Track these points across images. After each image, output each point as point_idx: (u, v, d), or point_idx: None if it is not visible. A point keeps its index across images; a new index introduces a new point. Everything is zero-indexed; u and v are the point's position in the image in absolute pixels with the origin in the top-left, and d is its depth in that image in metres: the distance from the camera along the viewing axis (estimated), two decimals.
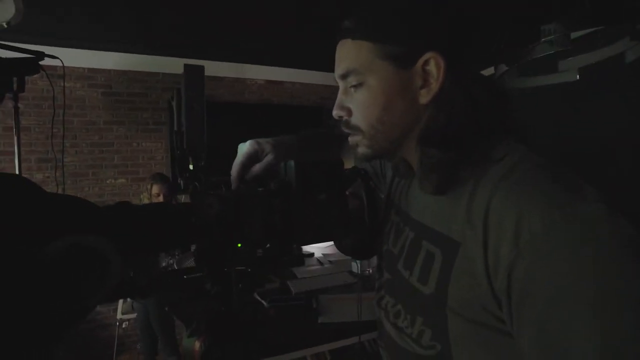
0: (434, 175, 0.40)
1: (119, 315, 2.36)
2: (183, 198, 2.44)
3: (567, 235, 0.30)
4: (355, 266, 1.73)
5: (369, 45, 0.40)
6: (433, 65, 0.39)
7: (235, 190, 0.48)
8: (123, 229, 0.32)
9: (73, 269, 0.26)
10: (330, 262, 1.94)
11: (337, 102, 0.45)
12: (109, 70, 2.74)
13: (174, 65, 2.81)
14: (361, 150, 0.45)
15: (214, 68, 2.97)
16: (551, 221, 0.30)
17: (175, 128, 0.45)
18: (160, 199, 2.24)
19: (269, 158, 0.53)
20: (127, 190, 2.77)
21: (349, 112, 0.44)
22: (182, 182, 0.44)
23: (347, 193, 0.47)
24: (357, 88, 0.43)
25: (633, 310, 0.26)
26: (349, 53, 0.42)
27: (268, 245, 0.41)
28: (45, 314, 0.25)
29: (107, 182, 2.75)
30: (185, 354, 0.38)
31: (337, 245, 0.56)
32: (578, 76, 1.73)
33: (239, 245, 0.40)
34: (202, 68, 0.43)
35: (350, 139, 0.46)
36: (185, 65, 0.43)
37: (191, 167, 0.44)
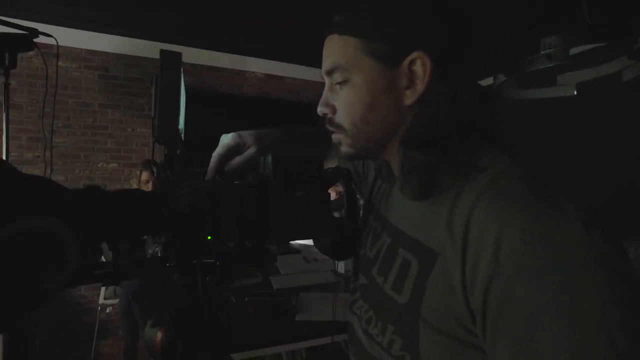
0: (415, 179, 0.39)
1: (101, 300, 2.35)
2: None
3: (546, 254, 0.30)
4: (339, 266, 1.73)
5: (355, 41, 0.40)
6: (419, 65, 0.39)
7: (210, 181, 0.47)
8: (87, 214, 0.31)
9: (29, 252, 0.26)
10: (315, 259, 1.94)
11: (322, 98, 0.45)
12: (107, 53, 2.73)
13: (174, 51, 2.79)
14: (344, 149, 0.45)
15: (214, 58, 2.94)
16: (531, 238, 0.30)
17: (152, 115, 0.44)
18: (150, 186, 2.21)
19: (250, 151, 0.52)
20: (118, 175, 2.74)
21: (333, 110, 0.44)
22: (154, 170, 0.43)
23: (330, 192, 0.47)
24: (342, 85, 0.42)
25: (605, 331, 0.27)
26: (335, 49, 0.42)
27: (241, 240, 0.40)
28: (1, 295, 0.25)
29: (99, 165, 2.72)
30: (146, 344, 0.37)
31: (315, 244, 0.56)
32: (576, 92, 1.73)
33: (209, 237, 0.39)
34: (179, 55, 0.40)
35: (333, 136, 0.46)
36: (162, 51, 0.39)
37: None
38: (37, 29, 1.62)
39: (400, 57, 0.39)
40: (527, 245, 0.30)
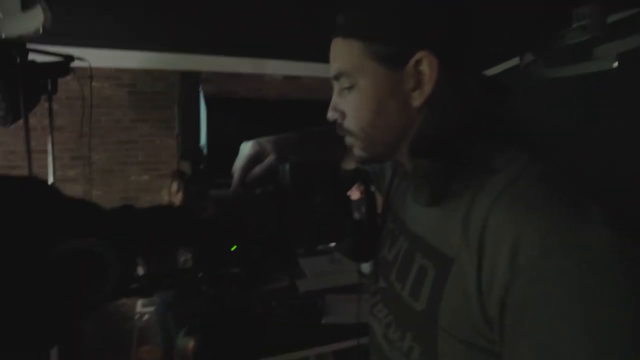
0: (426, 187, 0.39)
1: (138, 309, 2.46)
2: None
3: (565, 260, 0.29)
4: (364, 266, 1.70)
5: (359, 44, 0.39)
6: (426, 65, 0.38)
7: (231, 193, 0.49)
8: (124, 232, 0.34)
9: (75, 270, 0.29)
10: (340, 260, 1.94)
11: (331, 103, 0.45)
12: (134, 70, 2.79)
13: (195, 62, 2.81)
14: (356, 152, 0.45)
15: (234, 64, 2.94)
16: (550, 246, 0.30)
17: (177, 132, 0.54)
18: (180, 195, 2.27)
19: (270, 159, 0.52)
20: (150, 186, 2.80)
21: (343, 115, 0.44)
22: (180, 186, 0.45)
23: (354, 191, 0.47)
24: (350, 90, 0.42)
25: (627, 341, 0.26)
26: (340, 53, 0.41)
27: (263, 248, 0.41)
28: (50, 309, 0.28)
29: (132, 178, 2.81)
30: (179, 352, 0.42)
31: (336, 247, 0.58)
32: (616, 63, 1.57)
33: (234, 247, 0.40)
34: (197, 76, 0.50)
35: (346, 140, 0.45)
36: (184, 74, 0.50)
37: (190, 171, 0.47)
38: (72, 55, 1.73)
39: (405, 58, 0.38)
40: (546, 251, 0.30)
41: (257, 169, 0.52)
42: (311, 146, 0.58)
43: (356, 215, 0.56)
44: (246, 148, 0.53)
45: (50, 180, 1.92)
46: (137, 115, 2.81)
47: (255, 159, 0.52)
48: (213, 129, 2.43)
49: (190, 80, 0.53)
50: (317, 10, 1.92)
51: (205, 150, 0.70)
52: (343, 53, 0.41)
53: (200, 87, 0.57)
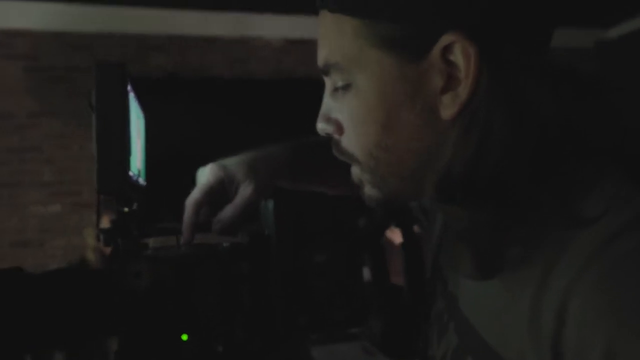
0: (467, 250, 0.38)
1: None
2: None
3: None
4: None
5: (353, 23, 0.39)
6: (459, 53, 0.36)
7: (180, 250, 0.48)
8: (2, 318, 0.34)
9: None
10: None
11: (321, 108, 0.45)
12: (35, 33, 2.47)
13: (136, 20, 2.51)
14: (367, 190, 0.45)
15: (203, 23, 2.64)
16: None
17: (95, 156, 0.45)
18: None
19: (244, 193, 0.52)
20: (64, 222, 2.50)
21: (339, 128, 0.43)
22: (101, 236, 0.45)
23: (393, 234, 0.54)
24: (345, 91, 0.41)
25: None
26: (327, 35, 0.41)
27: (231, 338, 0.42)
28: None
29: (31, 209, 2.47)
30: None
31: (362, 331, 0.55)
32: None
33: (184, 337, 0.41)
34: (122, 66, 0.44)
35: (352, 170, 0.45)
36: (97, 66, 0.43)
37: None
38: None
39: (425, 43, 0.37)
40: None
41: (228, 212, 0.51)
42: (308, 169, 0.59)
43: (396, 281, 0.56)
44: (204, 175, 0.53)
45: None
46: (41, 106, 2.52)
47: (217, 191, 0.52)
48: (165, 134, 2.27)
49: (108, 72, 0.41)
50: None
51: (140, 179, 0.58)
52: (332, 35, 0.41)
53: (129, 84, 0.46)
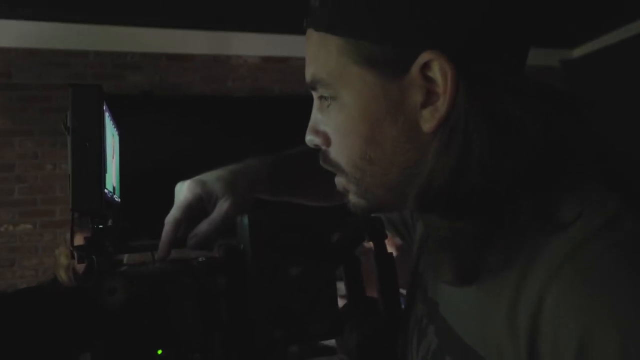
0: (447, 258, 0.39)
1: None
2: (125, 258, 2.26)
3: None
4: None
5: (337, 42, 0.40)
6: (437, 70, 0.37)
7: (155, 266, 0.49)
8: None
9: None
10: None
11: (310, 121, 0.46)
12: (9, 50, 2.45)
13: (112, 37, 2.50)
14: (352, 199, 0.46)
15: (180, 42, 2.65)
16: (636, 348, 0.30)
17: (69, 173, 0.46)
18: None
19: (221, 208, 0.52)
20: (35, 242, 2.47)
21: (326, 140, 0.45)
22: (75, 253, 0.46)
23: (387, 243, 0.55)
24: (331, 106, 0.43)
25: None
26: (314, 53, 0.43)
27: (208, 352, 0.42)
28: None
29: (2, 229, 2.44)
30: None
31: (337, 343, 0.58)
32: None
33: (159, 352, 0.41)
34: (98, 88, 0.45)
35: (336, 180, 0.46)
36: (73, 88, 0.45)
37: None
38: None
39: (405, 61, 0.38)
40: (629, 356, 0.30)
41: (204, 227, 0.52)
42: (288, 181, 0.60)
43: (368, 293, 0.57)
44: (182, 191, 0.53)
45: None
46: (14, 123, 2.48)
47: (196, 208, 0.52)
48: (142, 151, 2.22)
49: (84, 93, 0.43)
50: None
51: (115, 197, 0.61)
52: (317, 53, 0.42)
53: (105, 106, 0.49)
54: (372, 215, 0.58)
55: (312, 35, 0.43)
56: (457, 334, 0.45)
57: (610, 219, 0.35)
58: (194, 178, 0.55)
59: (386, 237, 0.59)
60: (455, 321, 0.46)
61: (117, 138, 0.60)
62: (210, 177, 0.54)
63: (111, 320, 0.40)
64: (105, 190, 0.50)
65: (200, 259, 0.46)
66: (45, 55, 2.51)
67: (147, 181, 2.20)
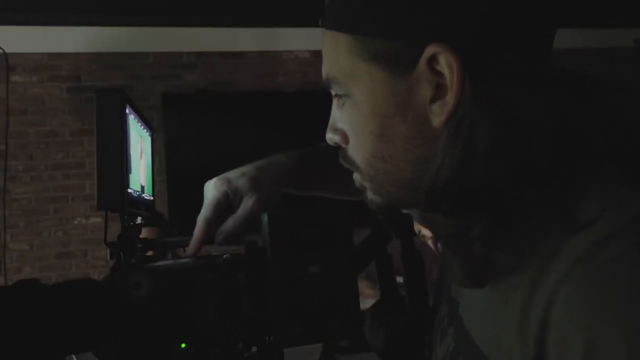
0: (455, 259, 0.39)
1: None
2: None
3: None
4: None
5: (346, 40, 0.41)
6: (444, 63, 0.37)
7: (181, 262, 0.50)
8: (12, 326, 0.37)
9: None
10: None
11: (330, 119, 0.47)
12: (78, 55, 2.57)
13: (169, 39, 2.58)
14: (369, 196, 0.47)
15: (232, 39, 2.69)
16: None
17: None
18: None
19: (247, 205, 0.53)
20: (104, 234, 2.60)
21: (345, 137, 0.45)
22: (107, 249, 0.48)
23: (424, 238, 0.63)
24: (345, 103, 0.43)
25: None
26: (327, 51, 0.43)
27: (229, 345, 0.44)
28: None
29: (76, 222, 2.55)
30: None
31: (367, 338, 0.57)
32: None
33: (183, 345, 0.42)
34: (121, 92, 0.48)
35: (354, 177, 0.47)
36: (97, 92, 0.47)
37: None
38: None
39: (412, 56, 0.39)
40: None
41: (229, 224, 0.53)
42: (318, 176, 0.61)
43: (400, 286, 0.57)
44: (209, 190, 0.54)
45: None
46: (83, 124, 2.57)
47: (223, 205, 0.54)
48: (196, 148, 2.33)
49: (107, 97, 0.45)
50: None
51: (145, 195, 0.60)
52: (330, 51, 0.43)
53: (130, 108, 0.50)
54: (402, 212, 0.58)
55: (325, 34, 0.44)
56: (471, 338, 0.45)
57: (633, 219, 0.34)
58: (220, 176, 0.56)
59: (414, 234, 0.59)
60: (471, 322, 0.46)
61: (147, 138, 0.62)
62: (235, 173, 0.56)
63: (135, 314, 0.41)
64: (130, 190, 0.51)
65: (225, 256, 0.47)
66: (108, 58, 2.63)
67: (201, 177, 2.24)
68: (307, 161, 0.60)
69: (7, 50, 1.77)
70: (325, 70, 0.44)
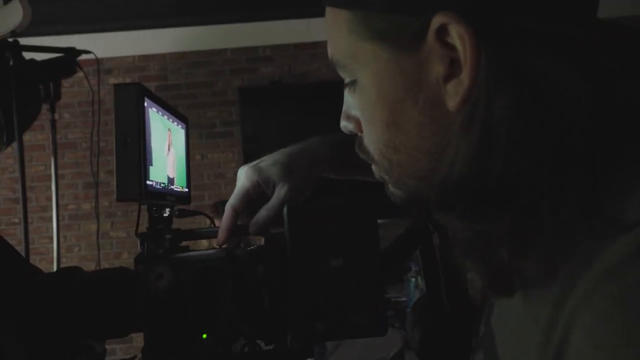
0: (473, 265, 0.37)
1: None
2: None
3: None
4: None
5: (346, 17, 0.37)
6: (455, 35, 0.32)
7: (204, 251, 0.51)
8: (39, 316, 0.40)
9: None
10: None
11: (344, 105, 0.45)
12: (164, 55, 2.72)
13: (245, 34, 2.66)
14: (390, 188, 0.44)
15: (305, 31, 2.71)
16: None
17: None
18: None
19: (280, 194, 0.53)
20: (189, 225, 2.71)
21: (359, 125, 0.42)
22: (138, 240, 0.49)
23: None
24: (353, 88, 0.41)
25: None
26: (329, 32, 0.41)
27: (250, 338, 0.44)
28: None
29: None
30: None
31: (408, 336, 0.59)
32: None
33: (204, 336, 0.43)
34: (138, 86, 0.48)
35: (373, 168, 0.45)
36: (115, 87, 0.47)
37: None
38: (74, 47, 1.72)
39: (418, 29, 0.35)
40: None
41: (262, 214, 0.53)
42: (359, 160, 0.54)
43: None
44: (240, 178, 0.55)
45: (54, 216, 1.90)
46: None
47: (253, 194, 0.54)
48: (271, 137, 2.38)
49: (125, 92, 0.44)
50: None
51: (175, 187, 0.58)
52: (331, 32, 0.40)
53: (152, 101, 0.47)
54: None
55: (327, 13, 0.41)
56: (496, 350, 0.43)
57: None
58: (251, 164, 0.56)
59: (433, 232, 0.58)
60: (499, 334, 0.44)
61: (179, 131, 0.62)
62: (267, 162, 0.55)
63: (158, 304, 0.42)
64: (151, 182, 0.52)
65: (248, 248, 0.47)
66: (190, 56, 2.77)
67: None
68: (346, 145, 0.58)
69: (99, 55, 1.92)
70: (329, 52, 0.42)
